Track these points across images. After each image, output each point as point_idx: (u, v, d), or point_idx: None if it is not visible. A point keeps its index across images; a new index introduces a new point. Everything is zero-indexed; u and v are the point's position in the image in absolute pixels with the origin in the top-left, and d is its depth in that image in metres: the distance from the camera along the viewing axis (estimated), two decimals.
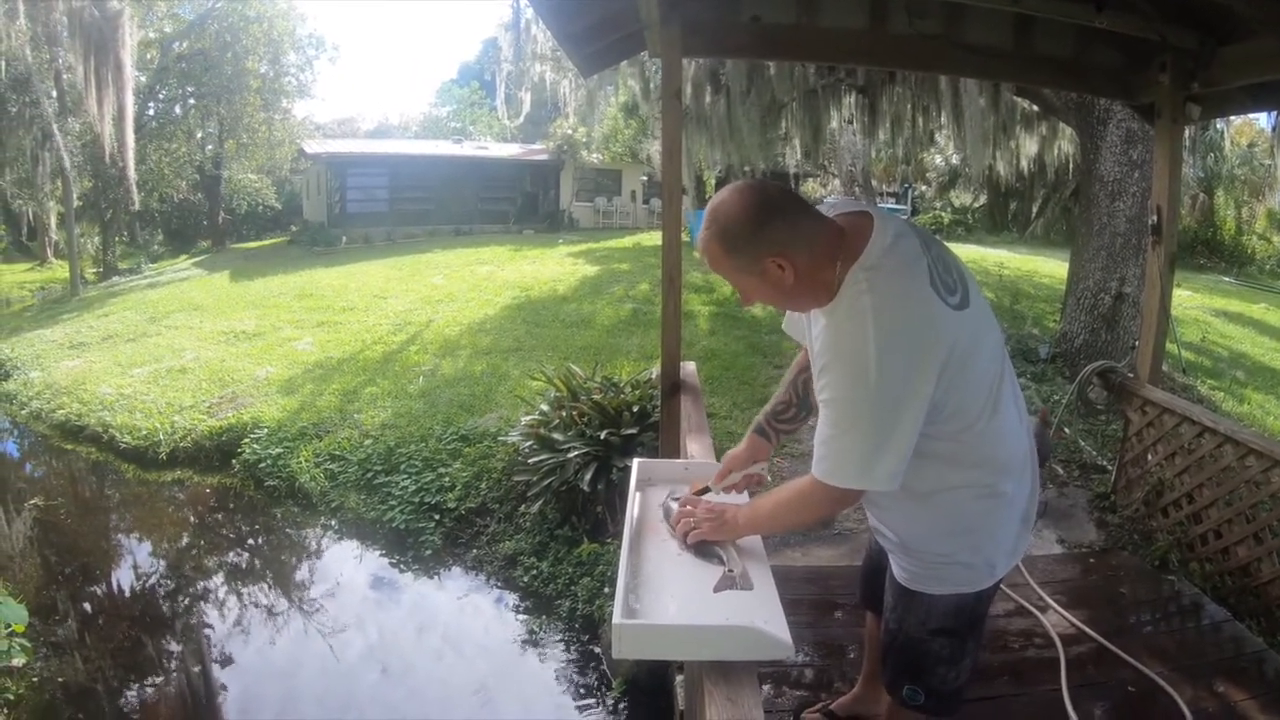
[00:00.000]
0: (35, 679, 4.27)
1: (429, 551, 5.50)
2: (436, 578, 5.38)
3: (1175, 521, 3.93)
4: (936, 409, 1.54)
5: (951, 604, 1.79)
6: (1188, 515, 3.84)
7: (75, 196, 20.07)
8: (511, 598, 5.00)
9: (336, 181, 24.43)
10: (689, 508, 1.88)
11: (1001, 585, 3.49)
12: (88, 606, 5.33)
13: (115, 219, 22.50)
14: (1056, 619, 3.31)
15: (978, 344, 1.58)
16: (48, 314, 15.13)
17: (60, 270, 22.23)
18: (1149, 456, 4.18)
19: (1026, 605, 3.41)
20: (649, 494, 2.17)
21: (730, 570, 1.70)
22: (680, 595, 1.66)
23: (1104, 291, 6.62)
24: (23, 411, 9.34)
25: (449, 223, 23.84)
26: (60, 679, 4.38)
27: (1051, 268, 13.76)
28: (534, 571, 4.96)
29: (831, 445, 1.55)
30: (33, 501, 6.66)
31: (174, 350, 10.65)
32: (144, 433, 7.85)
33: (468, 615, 5.01)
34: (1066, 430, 5.51)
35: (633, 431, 5.17)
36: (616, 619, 1.49)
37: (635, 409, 5.34)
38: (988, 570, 1.76)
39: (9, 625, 4.20)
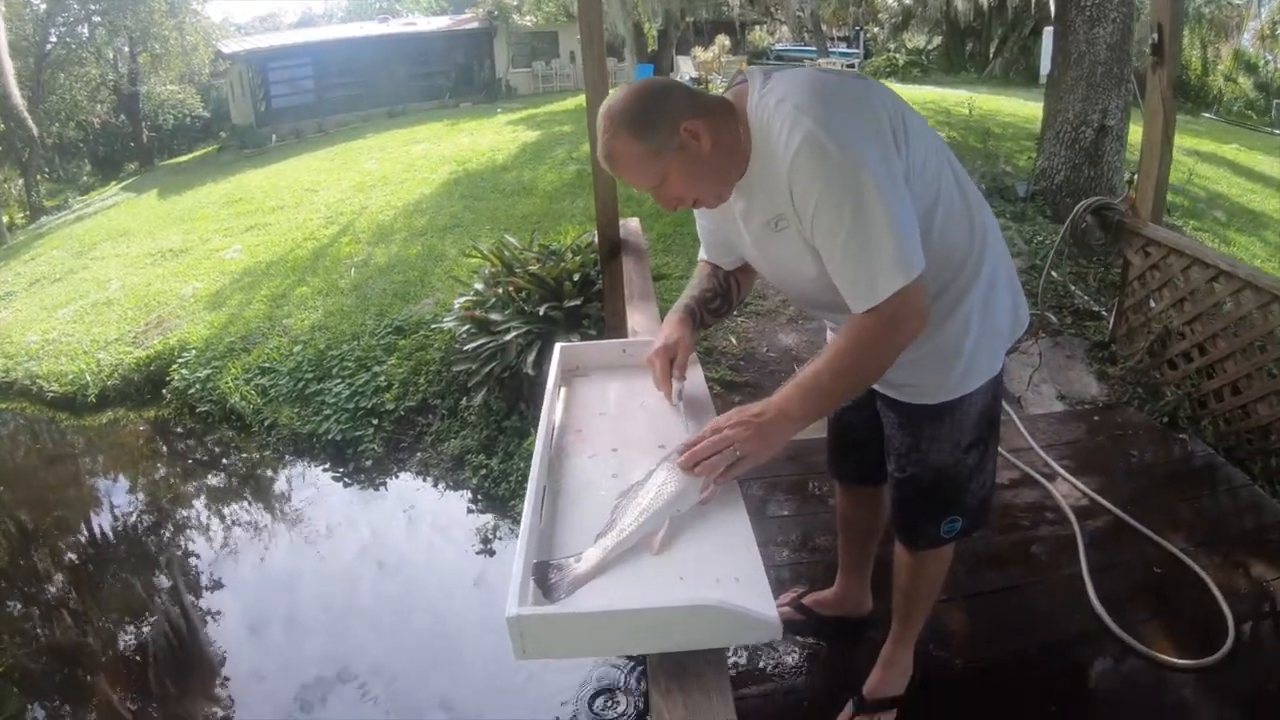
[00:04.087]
0: None
1: (369, 461, 4.99)
2: (381, 489, 4.90)
3: (1184, 375, 3.54)
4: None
5: (985, 399, 1.61)
6: (1199, 369, 3.43)
7: None
8: (462, 503, 4.53)
9: (259, 79, 23.08)
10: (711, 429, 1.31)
11: (1005, 453, 3.05)
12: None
13: (33, 158, 21.14)
14: (1067, 489, 2.96)
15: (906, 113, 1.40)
16: None
17: None
18: (1152, 302, 3.73)
19: (1033, 474, 3.06)
20: (576, 390, 1.66)
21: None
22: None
23: (1085, 124, 6.14)
24: None
25: (382, 105, 22.44)
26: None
27: (1014, 107, 12.93)
28: (483, 471, 4.50)
29: (854, 256, 1.27)
30: None
31: (99, 283, 9.90)
32: (70, 377, 7.24)
33: (416, 529, 4.54)
34: (1055, 274, 5.04)
35: (576, 303, 4.59)
36: (511, 610, 0.94)
37: (577, 277, 4.73)
38: (1019, 325, 1.61)
39: None
